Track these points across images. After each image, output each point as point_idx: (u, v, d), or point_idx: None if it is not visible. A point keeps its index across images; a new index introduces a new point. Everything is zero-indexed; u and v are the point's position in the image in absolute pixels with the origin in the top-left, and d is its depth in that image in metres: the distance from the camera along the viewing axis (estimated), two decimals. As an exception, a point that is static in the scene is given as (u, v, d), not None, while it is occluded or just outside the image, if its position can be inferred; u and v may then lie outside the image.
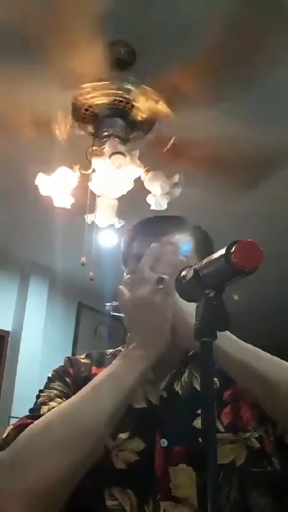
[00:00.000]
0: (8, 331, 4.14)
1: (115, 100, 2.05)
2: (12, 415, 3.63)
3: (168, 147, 2.31)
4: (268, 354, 0.74)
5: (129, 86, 2.02)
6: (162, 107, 2.11)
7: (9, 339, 4.12)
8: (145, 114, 2.13)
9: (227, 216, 3.04)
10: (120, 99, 2.05)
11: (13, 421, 0.77)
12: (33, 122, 2.19)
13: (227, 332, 0.72)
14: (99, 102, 2.07)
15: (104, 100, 2.06)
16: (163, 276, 0.75)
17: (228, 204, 2.91)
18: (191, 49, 1.86)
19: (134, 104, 2.07)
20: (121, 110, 2.09)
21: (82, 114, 2.15)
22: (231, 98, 2.13)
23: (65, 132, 2.27)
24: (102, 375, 0.74)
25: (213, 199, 2.83)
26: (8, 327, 4.15)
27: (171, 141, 2.29)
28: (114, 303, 0.86)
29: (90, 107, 2.09)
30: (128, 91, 2.03)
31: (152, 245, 0.81)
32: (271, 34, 1.80)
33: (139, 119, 2.15)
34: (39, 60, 1.89)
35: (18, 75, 1.97)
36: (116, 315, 0.88)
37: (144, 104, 2.09)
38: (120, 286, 0.80)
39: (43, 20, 1.75)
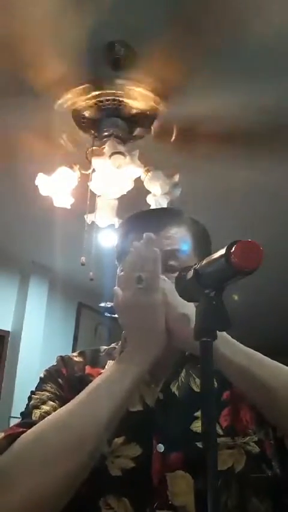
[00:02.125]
0: (8, 331, 4.14)
1: (103, 100, 2.05)
2: (12, 415, 3.62)
3: (173, 137, 2.30)
4: (268, 359, 0.72)
5: (115, 84, 2.01)
6: (153, 99, 2.08)
7: (9, 339, 4.11)
8: (138, 109, 2.11)
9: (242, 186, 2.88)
10: (107, 98, 2.04)
11: (13, 421, 0.77)
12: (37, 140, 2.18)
13: (227, 335, 0.71)
14: (91, 104, 2.08)
15: (93, 102, 2.06)
16: (140, 274, 0.72)
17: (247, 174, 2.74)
18: (169, 29, 1.78)
19: (124, 100, 2.06)
20: (113, 109, 2.08)
21: (81, 119, 2.15)
22: (224, 72, 1.99)
23: (69, 140, 2.29)
24: (97, 380, 0.72)
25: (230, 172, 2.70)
26: (8, 327, 4.15)
27: (174, 131, 2.28)
28: (109, 304, 0.84)
29: (93, 105, 2.09)
30: (115, 89, 2.02)
31: (134, 243, 0.77)
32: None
33: (133, 114, 2.13)
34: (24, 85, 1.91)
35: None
36: (111, 316, 0.86)
37: (135, 100, 2.07)
38: (115, 288, 0.77)
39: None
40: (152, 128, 2.23)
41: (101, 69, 1.96)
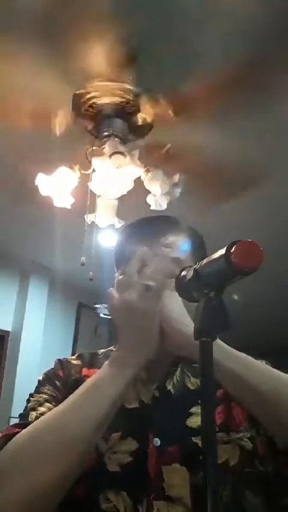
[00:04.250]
0: (8, 331, 4.14)
1: (122, 102, 2.05)
2: (12, 415, 3.63)
3: (163, 151, 2.33)
4: (258, 362, 0.73)
5: (138, 90, 2.03)
6: (167, 114, 2.11)
7: (9, 339, 4.12)
8: (149, 118, 2.14)
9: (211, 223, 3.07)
10: (127, 101, 2.05)
11: (13, 421, 0.77)
12: (34, 111, 2.16)
13: (218, 340, 0.72)
14: (105, 101, 2.08)
15: (110, 100, 2.07)
16: (151, 283, 0.74)
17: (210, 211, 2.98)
18: (203, 62, 1.89)
19: (140, 107, 2.08)
20: (126, 112, 2.09)
21: (84, 110, 2.14)
22: (232, 117, 2.18)
23: (63, 125, 2.25)
24: (89, 381, 0.74)
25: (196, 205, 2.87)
26: (8, 327, 4.15)
27: (166, 147, 2.31)
28: (104, 305, 0.85)
29: (94, 104, 2.09)
30: (137, 95, 2.04)
31: (140, 249, 0.79)
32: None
33: (141, 123, 2.15)
34: (53, 47, 1.86)
35: (31, 59, 1.92)
36: (106, 317, 0.87)
37: (150, 109, 2.10)
38: (110, 289, 0.78)
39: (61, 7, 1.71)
40: (145, 136, 2.26)
41: (119, 70, 1.98)
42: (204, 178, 2.57)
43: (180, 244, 0.84)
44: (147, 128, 2.22)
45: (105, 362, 0.76)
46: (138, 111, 2.11)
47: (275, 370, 0.73)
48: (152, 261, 0.77)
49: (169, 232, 0.85)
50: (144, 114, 2.14)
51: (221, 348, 0.72)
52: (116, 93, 2.04)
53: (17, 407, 3.73)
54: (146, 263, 0.76)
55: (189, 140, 2.33)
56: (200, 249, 0.88)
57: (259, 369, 0.72)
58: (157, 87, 2.04)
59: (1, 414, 3.68)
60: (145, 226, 0.90)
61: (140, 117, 2.15)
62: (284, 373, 0.72)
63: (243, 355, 0.73)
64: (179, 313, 0.75)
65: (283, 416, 0.67)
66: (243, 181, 2.72)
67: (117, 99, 2.06)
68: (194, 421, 0.76)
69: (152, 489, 0.71)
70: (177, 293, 0.76)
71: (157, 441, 0.74)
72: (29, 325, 4.14)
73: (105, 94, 2.05)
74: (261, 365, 0.73)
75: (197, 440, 0.73)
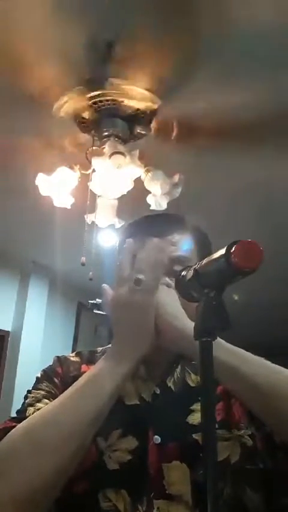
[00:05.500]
0: (8, 331, 4.14)
1: (102, 101, 2.05)
2: (12, 416, 3.62)
3: (174, 133, 2.31)
4: (257, 357, 0.73)
5: (111, 84, 2.01)
6: (151, 97, 2.08)
7: (9, 339, 4.11)
8: (136, 108, 2.11)
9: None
10: (105, 98, 2.05)
11: (14, 421, 0.77)
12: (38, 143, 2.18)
13: None
14: (88, 105, 2.08)
15: (91, 102, 2.07)
16: (140, 276, 0.74)
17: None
18: (161, 29, 1.80)
19: (121, 100, 2.06)
20: (111, 109, 2.08)
21: (81, 120, 2.16)
22: (222, 68, 1.98)
23: (70, 142, 2.29)
24: (84, 377, 0.73)
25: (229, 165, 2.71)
26: (8, 327, 4.15)
27: (175, 128, 2.28)
28: (98, 301, 0.85)
29: (84, 111, 2.10)
30: (111, 89, 2.02)
31: (127, 240, 0.79)
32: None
33: (132, 113, 2.13)
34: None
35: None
36: (99, 313, 0.87)
37: (132, 99, 2.07)
38: (103, 285, 0.79)
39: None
40: (151, 126, 2.23)
41: (97, 70, 1.96)
42: (227, 138, 2.38)
43: (185, 243, 0.84)
44: (149, 116, 2.18)
45: (102, 357, 0.76)
46: (123, 104, 2.08)
47: (271, 363, 0.72)
48: (140, 252, 0.77)
49: (175, 231, 0.85)
50: (131, 105, 2.10)
51: (218, 343, 0.71)
52: (111, 94, 2.04)
53: (17, 407, 3.70)
54: (136, 256, 0.76)
55: (192, 110, 2.21)
56: (204, 247, 0.87)
57: (258, 363, 0.72)
58: (131, 74, 1.99)
59: (1, 414, 3.68)
60: (151, 224, 0.89)
61: (129, 109, 2.12)
62: (280, 367, 0.71)
63: (239, 349, 0.73)
64: (173, 308, 0.75)
65: (280, 410, 0.67)
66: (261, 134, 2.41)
67: (96, 101, 2.06)
68: (195, 418, 0.75)
69: (152, 487, 0.70)
70: (172, 288, 0.76)
71: (157, 438, 0.73)
72: (29, 325, 4.14)
73: (86, 99, 2.05)
74: (258, 358, 0.73)
75: (198, 437, 0.72)
